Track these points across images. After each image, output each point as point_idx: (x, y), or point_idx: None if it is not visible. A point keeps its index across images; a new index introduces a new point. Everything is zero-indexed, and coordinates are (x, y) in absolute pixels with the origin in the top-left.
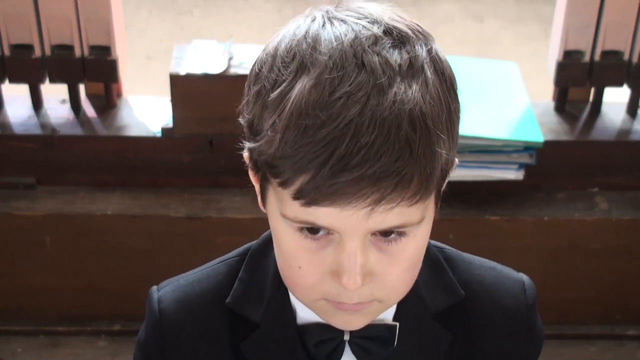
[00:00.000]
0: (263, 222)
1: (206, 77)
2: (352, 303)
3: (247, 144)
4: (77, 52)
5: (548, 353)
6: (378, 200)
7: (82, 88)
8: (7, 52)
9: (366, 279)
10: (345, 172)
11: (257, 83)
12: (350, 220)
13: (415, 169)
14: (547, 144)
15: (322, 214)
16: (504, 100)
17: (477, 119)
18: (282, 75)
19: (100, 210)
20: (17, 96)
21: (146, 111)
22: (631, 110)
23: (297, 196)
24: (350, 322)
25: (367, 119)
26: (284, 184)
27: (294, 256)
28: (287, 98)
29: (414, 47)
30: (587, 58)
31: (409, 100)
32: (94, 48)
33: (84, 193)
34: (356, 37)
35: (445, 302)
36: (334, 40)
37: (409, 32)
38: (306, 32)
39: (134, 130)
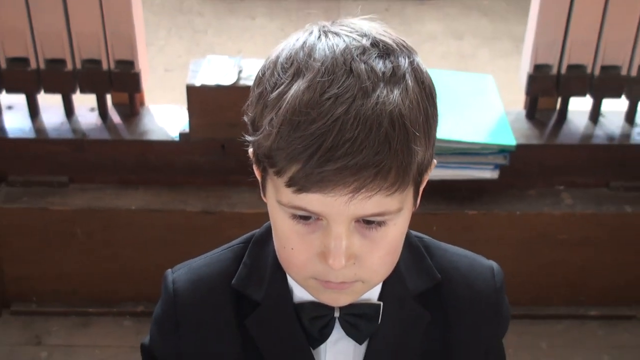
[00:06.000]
0: (268, 216)
1: (219, 88)
2: (337, 282)
3: (249, 139)
4: (104, 66)
5: (520, 331)
6: (358, 188)
7: (109, 98)
8: (42, 65)
9: (350, 260)
10: (330, 163)
11: (260, 86)
12: (334, 205)
13: (393, 162)
14: (519, 147)
15: (310, 200)
16: (481, 108)
17: (458, 125)
18: (281, 78)
19: (125, 206)
20: (51, 105)
21: (165, 118)
22: (593, 118)
23: (289, 184)
24: (337, 299)
25: (351, 117)
26: (278, 173)
27: (287, 239)
28: (283, 98)
29: (398, 58)
30: (554, 71)
31: (390, 102)
32: (119, 62)
33: (110, 190)
34: (346, 47)
35: (424, 284)
36: (327, 50)
37: (394, 45)
38: (304, 43)
39: (154, 135)
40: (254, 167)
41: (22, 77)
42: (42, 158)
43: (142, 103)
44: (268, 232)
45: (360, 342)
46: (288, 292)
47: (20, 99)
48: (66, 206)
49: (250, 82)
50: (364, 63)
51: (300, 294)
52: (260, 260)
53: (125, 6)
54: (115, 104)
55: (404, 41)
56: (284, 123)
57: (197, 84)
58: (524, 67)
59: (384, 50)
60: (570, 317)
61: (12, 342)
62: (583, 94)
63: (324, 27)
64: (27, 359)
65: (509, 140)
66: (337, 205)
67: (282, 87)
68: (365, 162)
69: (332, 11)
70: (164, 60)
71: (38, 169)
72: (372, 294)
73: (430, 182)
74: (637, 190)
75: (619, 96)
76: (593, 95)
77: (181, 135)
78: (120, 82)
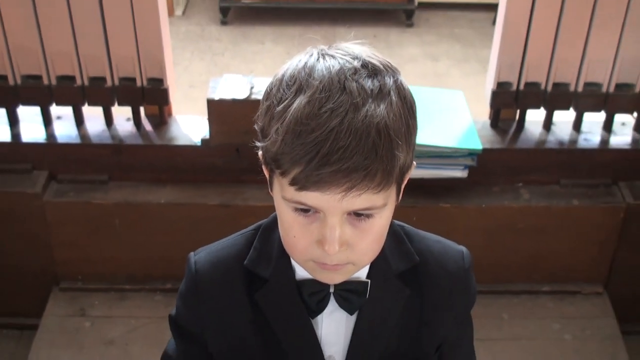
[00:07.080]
0: (275, 208)
1: (234, 101)
2: (332, 264)
3: (259, 144)
4: (138, 83)
5: (485, 304)
6: (350, 187)
7: (142, 109)
8: (86, 82)
9: (342, 247)
10: (327, 166)
11: (268, 100)
12: (329, 202)
13: (379, 166)
14: (485, 150)
15: (309, 197)
16: (453, 118)
17: (434, 133)
18: (285, 94)
19: (156, 200)
20: (93, 115)
21: (189, 127)
22: (546, 126)
23: (292, 183)
24: (332, 279)
25: (345, 128)
26: (283, 174)
27: (291, 228)
28: (287, 111)
29: (384, 77)
30: (514, 87)
31: (377, 115)
32: (150, 80)
33: (143, 187)
34: (341, 68)
35: (405, 265)
36: (324, 70)
37: (381, 66)
38: (305, 64)
39: (180, 141)
40: (263, 168)
41: (69, 92)
42: (86, 160)
43: (170, 114)
44: (274, 221)
45: (351, 313)
46: (291, 271)
47: (67, 111)
48: (106, 200)
49: (260, 97)
50: (356, 82)
51: (301, 272)
52: (268, 245)
53: (155, 33)
54: (148, 115)
55: (390, 62)
56: (288, 132)
57: (216, 98)
58: (489, 84)
59: (372, 70)
60: (526, 292)
61: (61, 313)
62: (538, 107)
63: (322, 50)
64: (74, 327)
65: (476, 145)
66: (332, 202)
67: (287, 101)
68: (356, 166)
69: (329, 37)
70: (188, 78)
71: (83, 169)
72: (362, 273)
73: (410, 180)
74: (583, 186)
75: (567, 108)
76: (546, 108)
77: (202, 141)
78: (151, 96)
